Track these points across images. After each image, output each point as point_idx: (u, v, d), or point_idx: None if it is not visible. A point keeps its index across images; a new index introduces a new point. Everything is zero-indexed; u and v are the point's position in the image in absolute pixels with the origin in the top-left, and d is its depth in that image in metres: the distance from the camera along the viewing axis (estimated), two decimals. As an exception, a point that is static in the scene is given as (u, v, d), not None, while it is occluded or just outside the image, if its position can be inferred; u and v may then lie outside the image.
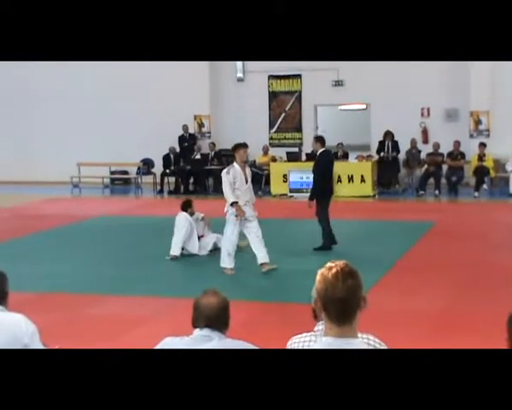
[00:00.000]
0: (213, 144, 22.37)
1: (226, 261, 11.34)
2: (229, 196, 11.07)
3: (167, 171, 22.21)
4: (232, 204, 11.02)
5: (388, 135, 20.83)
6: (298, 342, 3.55)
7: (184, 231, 12.29)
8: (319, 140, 13.01)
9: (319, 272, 3.17)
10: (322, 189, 12.71)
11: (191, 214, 12.53)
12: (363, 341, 3.28)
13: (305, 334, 3.29)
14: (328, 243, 12.58)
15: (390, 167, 20.73)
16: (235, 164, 11.27)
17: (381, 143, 21.01)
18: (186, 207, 12.58)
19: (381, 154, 20.85)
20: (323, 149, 12.85)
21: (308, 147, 22.06)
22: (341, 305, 3.05)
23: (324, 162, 12.84)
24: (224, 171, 11.32)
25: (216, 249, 12.48)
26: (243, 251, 12.10)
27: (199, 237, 12.59)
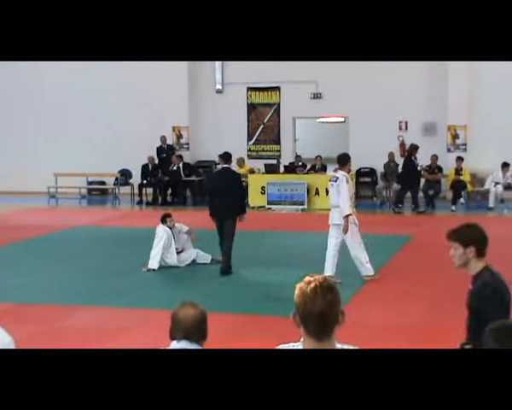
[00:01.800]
0: (180, 157, 22.29)
1: (368, 269, 11.09)
2: (347, 206, 10.79)
3: (144, 181, 22.14)
4: (347, 215, 10.79)
5: (415, 149, 19.51)
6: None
7: (162, 244, 12.26)
8: (221, 157, 12.94)
9: (297, 286, 3.16)
10: (211, 207, 12.12)
11: (170, 228, 12.49)
12: None
13: (292, 344, 3.28)
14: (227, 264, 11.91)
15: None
16: (344, 173, 10.92)
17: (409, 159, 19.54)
18: (164, 220, 12.56)
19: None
20: (222, 166, 12.60)
21: (286, 159, 22.17)
22: (320, 320, 3.04)
23: (213, 179, 12.74)
24: (344, 179, 10.85)
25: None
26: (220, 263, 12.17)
27: (179, 252, 12.54)
